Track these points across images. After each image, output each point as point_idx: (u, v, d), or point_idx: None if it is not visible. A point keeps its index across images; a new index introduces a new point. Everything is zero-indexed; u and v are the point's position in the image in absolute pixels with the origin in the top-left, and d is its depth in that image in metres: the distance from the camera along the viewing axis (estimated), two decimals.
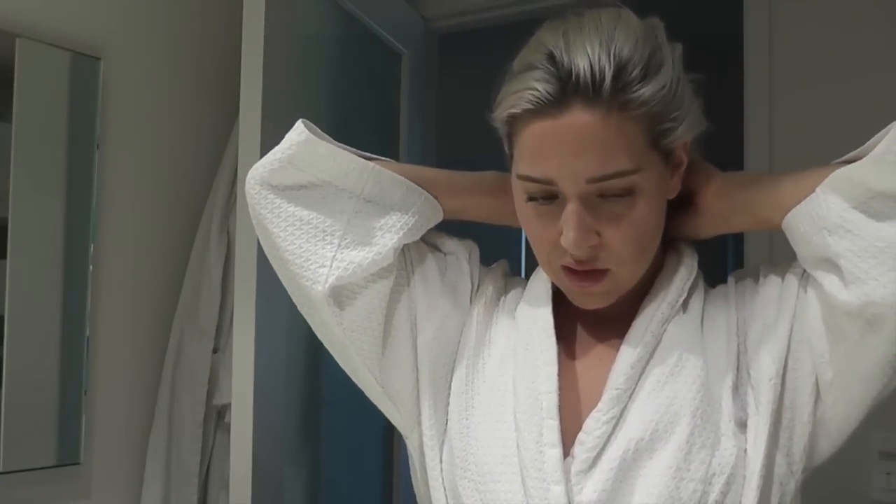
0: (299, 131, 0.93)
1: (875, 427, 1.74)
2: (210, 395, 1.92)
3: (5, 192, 1.64)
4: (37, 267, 1.71)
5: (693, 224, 0.90)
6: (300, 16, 1.70)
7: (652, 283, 0.90)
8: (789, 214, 0.82)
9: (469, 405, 0.89)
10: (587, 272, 0.83)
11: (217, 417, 1.94)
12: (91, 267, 1.80)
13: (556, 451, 0.81)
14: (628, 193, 0.79)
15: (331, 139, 0.95)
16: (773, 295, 0.85)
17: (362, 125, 2.15)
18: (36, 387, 1.71)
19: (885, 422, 1.75)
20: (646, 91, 0.78)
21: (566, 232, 0.80)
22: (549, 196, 0.82)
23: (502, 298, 0.97)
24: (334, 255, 0.89)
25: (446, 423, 0.91)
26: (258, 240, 0.96)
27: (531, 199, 0.83)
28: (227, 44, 1.93)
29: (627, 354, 0.84)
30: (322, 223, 0.90)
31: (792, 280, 0.84)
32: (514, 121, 0.82)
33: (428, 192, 0.95)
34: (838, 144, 1.91)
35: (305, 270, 0.89)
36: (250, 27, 1.55)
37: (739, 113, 1.97)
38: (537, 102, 0.78)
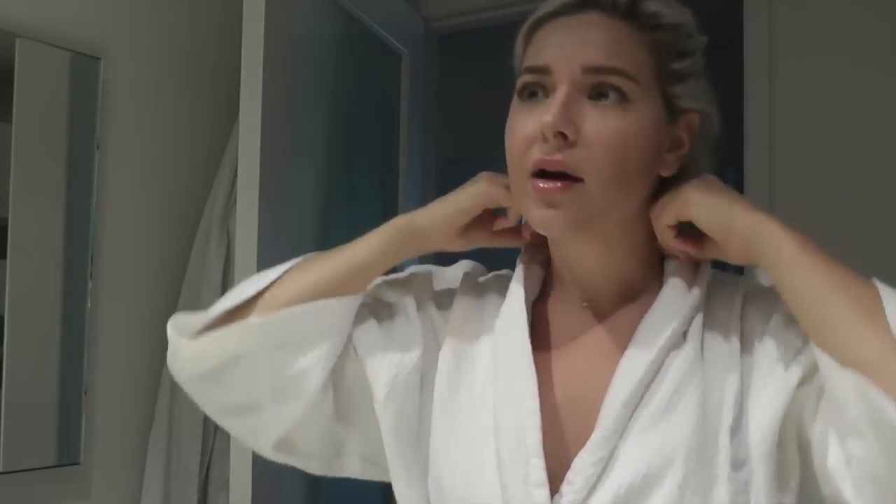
0: (186, 344, 0.88)
1: None
2: None
3: (5, 192, 1.64)
4: (37, 267, 1.71)
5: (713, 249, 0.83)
6: (300, 16, 1.70)
7: (641, 294, 0.84)
8: (837, 365, 0.69)
9: (451, 440, 0.84)
10: (557, 178, 0.77)
11: None
12: (91, 267, 1.80)
13: (544, 492, 0.76)
14: (621, 99, 0.77)
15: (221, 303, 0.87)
16: (785, 358, 0.77)
17: (362, 125, 2.15)
18: (36, 387, 1.71)
19: None
20: (663, 14, 0.80)
21: (546, 111, 0.77)
22: (537, 91, 0.80)
23: (476, 316, 0.90)
24: (266, 422, 0.88)
25: (427, 463, 0.86)
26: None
27: (520, 94, 0.81)
28: (228, 44, 1.93)
29: (620, 389, 0.78)
30: (246, 399, 0.88)
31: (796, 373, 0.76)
32: (533, 30, 0.84)
33: (337, 293, 0.87)
34: (838, 144, 1.92)
35: (248, 439, 0.92)
36: (250, 27, 1.55)
37: (739, 113, 1.98)
38: (560, 6, 0.81)
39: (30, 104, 1.68)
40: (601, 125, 0.77)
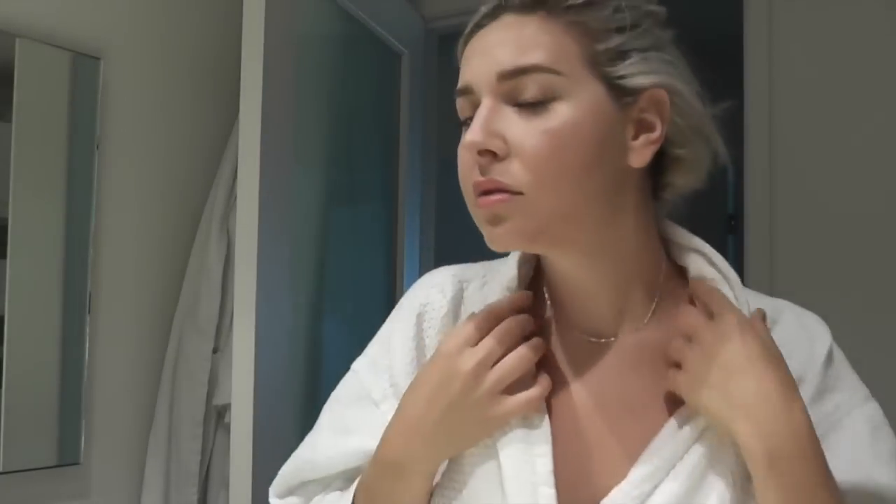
0: None
1: None
2: (210, 395, 1.92)
3: (5, 192, 1.64)
4: (37, 267, 1.71)
5: None
6: (300, 16, 1.70)
7: (648, 317, 0.79)
8: None
9: (455, 476, 0.80)
10: (496, 189, 0.72)
11: (217, 417, 1.94)
12: (91, 266, 1.80)
13: None
14: (545, 97, 0.71)
15: None
16: None
17: (362, 125, 2.15)
18: (36, 387, 1.71)
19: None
20: None
21: (470, 131, 0.72)
22: (473, 114, 0.74)
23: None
24: None
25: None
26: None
27: (464, 124, 0.77)
28: (228, 44, 1.93)
29: (652, 458, 0.72)
30: None
31: None
32: (463, 49, 0.78)
33: None
34: (838, 144, 1.92)
35: None
36: (250, 27, 1.56)
37: (740, 112, 1.98)
38: (476, 21, 0.77)
39: (30, 104, 1.68)
40: (526, 132, 0.71)
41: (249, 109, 1.55)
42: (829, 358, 0.79)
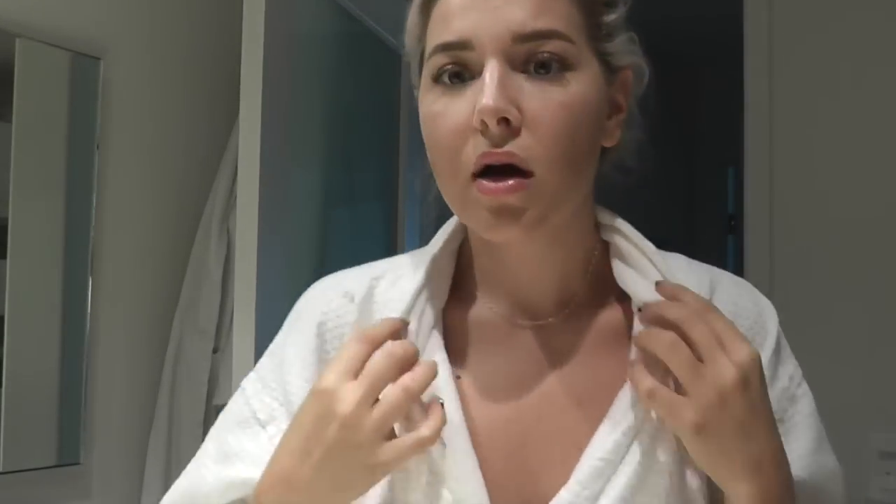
0: None
1: (875, 427, 1.74)
2: (210, 395, 1.92)
3: (5, 192, 1.64)
4: (37, 267, 1.71)
5: None
6: (300, 16, 1.70)
7: (586, 307, 0.73)
8: None
9: None
10: (504, 173, 0.64)
11: (217, 417, 1.94)
12: (91, 267, 1.80)
13: None
14: (562, 68, 0.65)
15: None
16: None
17: (362, 125, 2.15)
18: (36, 387, 1.71)
19: (885, 422, 1.75)
20: None
21: (483, 95, 0.63)
22: (461, 72, 0.66)
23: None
24: None
25: None
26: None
27: (438, 80, 0.67)
28: (228, 44, 1.93)
29: (600, 443, 0.67)
30: None
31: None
32: (430, 4, 0.69)
33: None
34: (838, 144, 1.92)
35: None
36: (250, 27, 1.55)
37: (740, 112, 1.98)
38: None
39: (30, 104, 1.68)
40: (545, 103, 0.64)
41: (249, 109, 1.55)
42: (780, 330, 0.74)
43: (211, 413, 1.93)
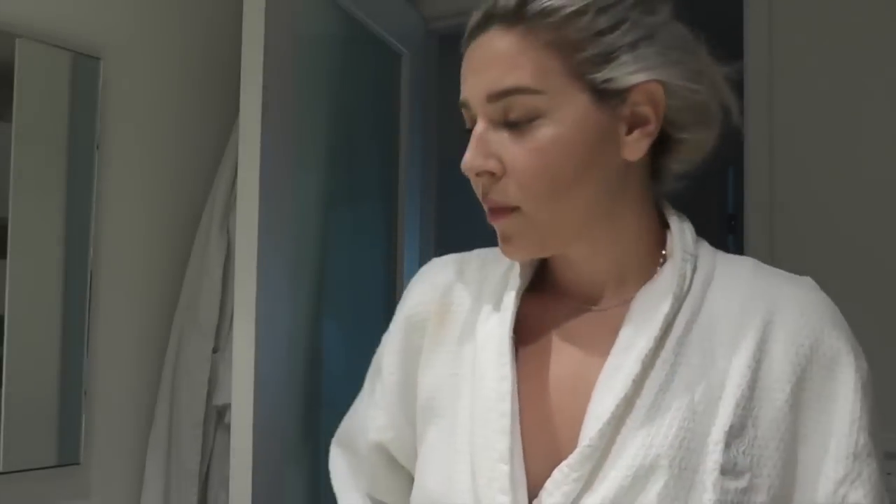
0: None
1: None
2: (210, 395, 1.92)
3: (5, 192, 1.64)
4: (37, 267, 1.71)
5: None
6: (300, 16, 1.70)
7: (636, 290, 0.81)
8: None
9: (431, 444, 0.85)
10: (498, 210, 0.78)
11: (217, 417, 1.94)
12: (91, 267, 1.80)
13: (507, 499, 0.75)
14: (534, 117, 0.75)
15: None
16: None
17: (362, 125, 2.15)
18: (36, 387, 1.71)
19: (886, 422, 1.75)
20: (554, 7, 0.75)
21: (466, 153, 0.77)
22: (474, 126, 0.79)
23: (457, 316, 0.88)
24: None
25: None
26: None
27: (468, 132, 0.80)
28: (228, 44, 1.93)
29: (601, 404, 0.75)
30: None
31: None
32: (463, 56, 0.82)
33: None
34: (839, 144, 1.92)
35: None
36: (250, 27, 1.55)
37: (740, 112, 1.97)
38: (471, 29, 0.79)
39: (30, 104, 1.68)
40: (516, 151, 0.76)
41: (249, 109, 1.55)
42: (861, 384, 0.79)
43: (211, 413, 1.93)
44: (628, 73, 0.76)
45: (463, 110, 0.80)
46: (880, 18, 1.87)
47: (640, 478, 0.72)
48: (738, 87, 0.86)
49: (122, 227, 1.88)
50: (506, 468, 0.75)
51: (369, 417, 0.94)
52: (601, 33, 0.75)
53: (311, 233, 1.89)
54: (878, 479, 0.76)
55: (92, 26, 1.83)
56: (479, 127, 0.77)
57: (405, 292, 0.94)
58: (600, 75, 0.75)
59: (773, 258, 1.91)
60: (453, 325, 0.88)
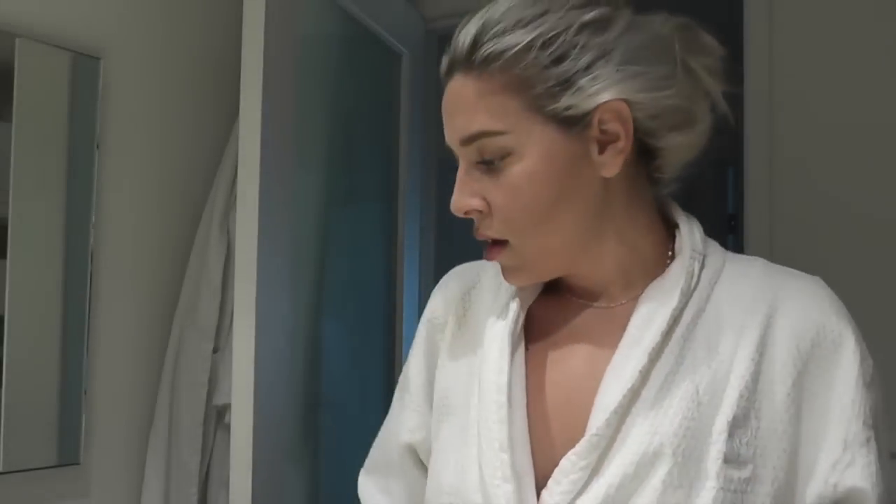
0: None
1: None
2: (210, 395, 1.92)
3: (5, 192, 1.64)
4: (37, 267, 1.71)
5: None
6: (300, 16, 1.70)
7: (643, 287, 0.83)
8: None
9: (444, 435, 0.88)
10: (492, 245, 0.82)
11: (217, 417, 1.94)
12: (91, 267, 1.80)
13: (510, 487, 0.77)
14: (505, 156, 0.78)
15: None
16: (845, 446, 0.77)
17: (362, 125, 2.15)
18: (36, 387, 1.71)
19: (886, 422, 1.75)
20: (500, 49, 0.76)
21: (453, 195, 0.82)
22: None
23: (475, 314, 0.92)
24: None
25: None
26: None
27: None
28: (228, 44, 1.93)
29: (609, 394, 0.77)
30: None
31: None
32: None
33: None
34: (839, 144, 1.92)
35: None
36: (250, 27, 1.55)
37: (740, 112, 1.97)
38: (441, 74, 0.83)
39: (30, 104, 1.68)
40: (495, 190, 0.79)
41: (249, 109, 1.55)
42: (861, 357, 0.80)
43: (211, 413, 1.93)
44: (587, 96, 0.76)
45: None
46: (880, 18, 1.87)
47: (645, 465, 0.74)
48: (730, 75, 0.85)
49: (122, 227, 1.88)
50: (506, 457, 0.78)
51: (401, 422, 0.96)
52: (551, 65, 0.76)
53: (311, 232, 1.89)
54: (876, 471, 0.77)
55: (92, 26, 1.83)
56: (461, 169, 0.81)
57: (429, 299, 0.98)
58: (560, 105, 0.76)
59: (773, 258, 1.90)
60: (470, 329, 0.91)
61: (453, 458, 0.84)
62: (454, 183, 0.84)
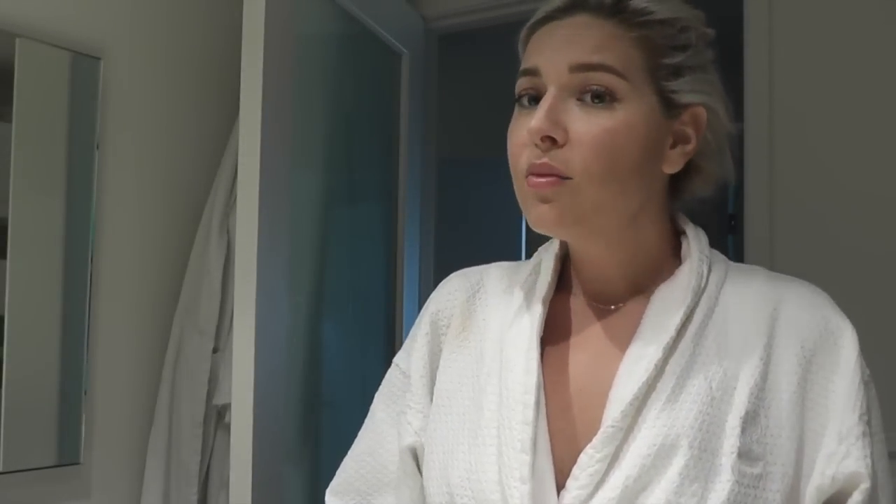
0: None
1: None
2: (210, 395, 1.92)
3: (5, 192, 1.64)
4: (37, 267, 1.71)
5: None
6: (300, 16, 1.70)
7: (651, 288, 0.85)
8: None
9: (452, 433, 0.87)
10: (548, 175, 0.80)
11: (217, 417, 1.94)
12: (91, 267, 1.80)
13: (526, 488, 0.78)
14: (610, 97, 0.79)
15: None
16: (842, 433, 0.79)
17: (362, 125, 2.15)
18: (36, 387, 1.71)
19: (886, 422, 1.75)
20: (651, 10, 0.81)
21: (534, 116, 0.80)
22: (534, 96, 0.83)
23: (482, 312, 0.93)
24: None
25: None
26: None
27: (519, 100, 0.84)
28: (228, 44, 1.93)
29: (624, 386, 0.79)
30: None
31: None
32: (529, 36, 0.86)
33: None
34: (839, 144, 1.92)
35: None
36: (250, 27, 1.56)
37: (739, 112, 1.97)
38: (551, 11, 0.84)
39: (30, 104, 1.68)
40: (588, 125, 0.79)
41: (249, 109, 1.55)
42: (859, 357, 0.82)
43: (211, 413, 1.93)
44: (689, 91, 0.83)
45: (523, 78, 0.83)
46: (880, 18, 1.87)
47: (662, 456, 0.76)
48: (739, 86, 0.91)
49: (122, 227, 1.88)
50: (527, 458, 0.79)
51: (403, 425, 0.94)
52: (678, 48, 0.82)
53: (311, 233, 1.89)
54: (872, 463, 0.78)
55: (92, 26, 1.83)
56: (553, 94, 0.80)
57: (428, 301, 0.98)
58: (668, 85, 0.82)
59: (773, 258, 1.91)
60: (477, 330, 0.92)
61: (463, 458, 0.84)
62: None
